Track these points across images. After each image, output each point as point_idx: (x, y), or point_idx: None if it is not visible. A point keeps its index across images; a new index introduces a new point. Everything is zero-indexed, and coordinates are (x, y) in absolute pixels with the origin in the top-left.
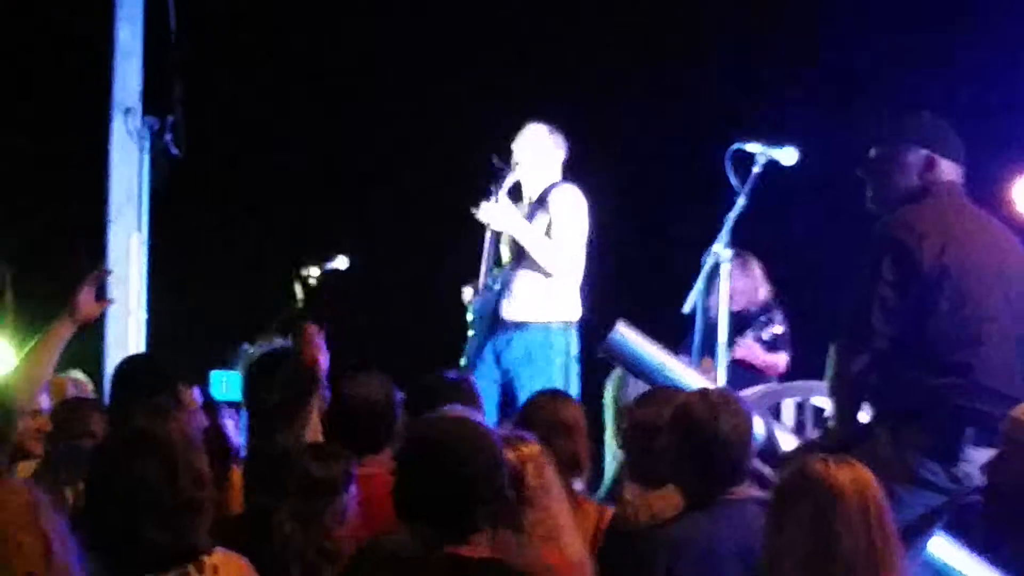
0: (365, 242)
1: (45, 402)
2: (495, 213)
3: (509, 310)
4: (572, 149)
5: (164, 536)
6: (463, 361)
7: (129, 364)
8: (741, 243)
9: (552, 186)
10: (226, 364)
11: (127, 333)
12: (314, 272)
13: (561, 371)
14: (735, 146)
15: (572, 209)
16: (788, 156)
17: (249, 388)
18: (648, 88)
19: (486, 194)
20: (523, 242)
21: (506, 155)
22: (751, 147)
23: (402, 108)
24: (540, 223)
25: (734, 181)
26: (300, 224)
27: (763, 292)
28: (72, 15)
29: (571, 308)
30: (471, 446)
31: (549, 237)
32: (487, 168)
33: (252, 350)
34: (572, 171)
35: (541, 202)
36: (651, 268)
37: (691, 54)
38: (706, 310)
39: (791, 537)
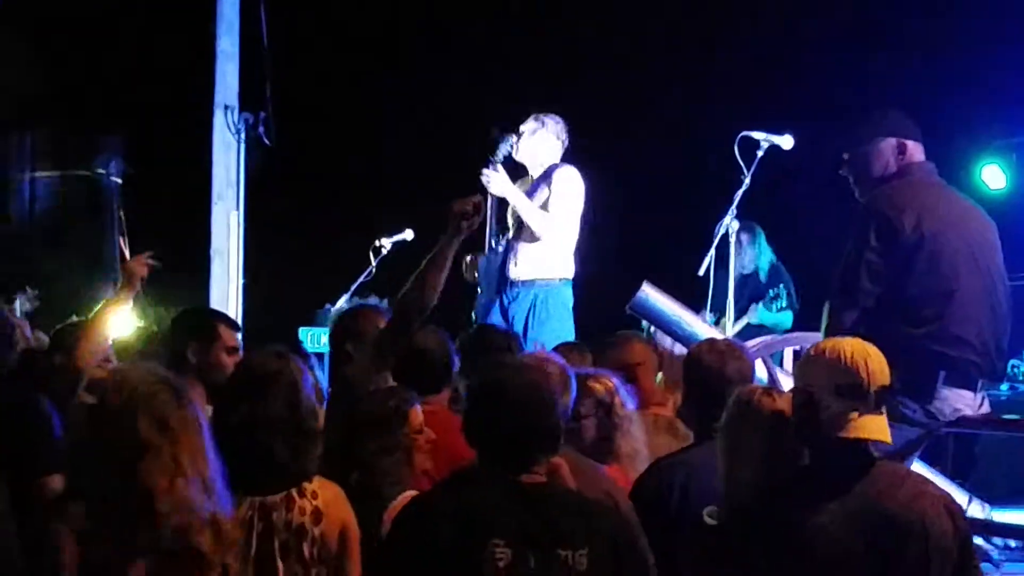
0: (429, 216)
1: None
2: (494, 178)
3: (515, 271)
4: (610, 139)
5: (287, 457)
6: (473, 317)
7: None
8: (746, 215)
9: (554, 166)
10: (312, 321)
11: (227, 297)
12: (386, 243)
13: (561, 321)
14: (742, 133)
15: (568, 186)
16: (786, 142)
17: (334, 337)
18: (672, 84)
19: (486, 162)
20: (515, 207)
21: (504, 127)
22: (755, 134)
23: (454, 104)
24: (540, 197)
25: (741, 163)
26: (373, 202)
27: (767, 257)
28: (180, 27)
29: (568, 267)
30: (530, 392)
31: (546, 208)
32: (487, 139)
33: (335, 307)
34: (604, 157)
35: (543, 179)
36: (673, 237)
37: (709, 55)
38: (719, 272)
39: (748, 445)
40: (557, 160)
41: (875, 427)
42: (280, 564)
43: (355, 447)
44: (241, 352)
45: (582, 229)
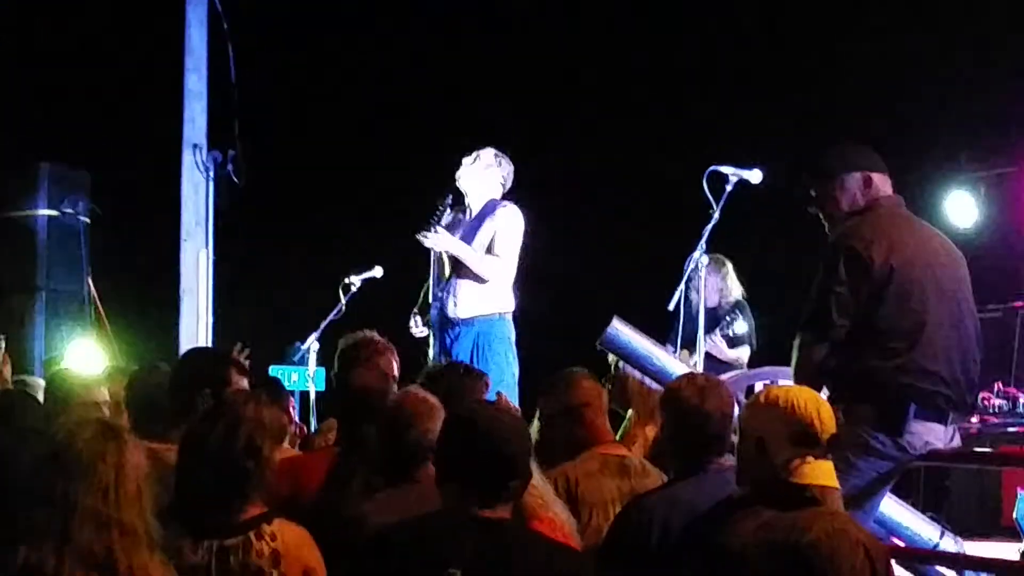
0: (396, 253)
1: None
2: (437, 239)
3: (455, 310)
4: (578, 173)
5: (216, 495)
6: (431, 361)
7: (191, 358)
8: (715, 250)
9: (494, 203)
10: (281, 359)
11: (197, 334)
12: (355, 280)
13: (504, 356)
14: (711, 168)
15: (512, 225)
16: (755, 176)
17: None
18: (642, 117)
19: (428, 225)
20: (461, 258)
21: (451, 194)
22: (724, 168)
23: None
24: (484, 234)
25: (709, 197)
26: (341, 239)
27: (735, 291)
28: (147, 66)
29: (507, 301)
30: (516, 429)
31: (492, 249)
32: (433, 207)
33: (304, 345)
34: (573, 192)
35: (483, 216)
36: (641, 271)
37: (679, 88)
38: (687, 307)
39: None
40: (497, 196)
41: (824, 472)
42: None
43: None
44: None
45: (543, 266)
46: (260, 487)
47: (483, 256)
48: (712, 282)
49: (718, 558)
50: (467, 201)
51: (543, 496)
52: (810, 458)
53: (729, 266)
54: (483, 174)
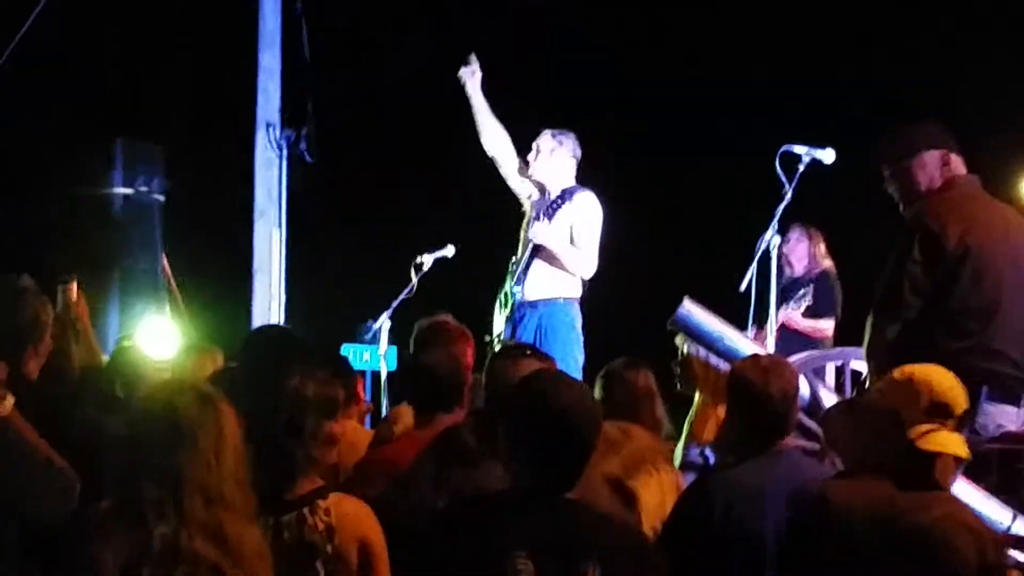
0: (468, 233)
1: None
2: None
3: (522, 292)
4: (649, 154)
5: (265, 474)
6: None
7: (262, 331)
8: (784, 230)
9: (571, 191)
10: (353, 338)
11: (269, 313)
12: (426, 259)
13: (567, 341)
14: (783, 147)
15: (593, 218)
16: (828, 155)
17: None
18: (713, 97)
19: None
20: (559, 255)
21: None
22: (797, 148)
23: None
24: (562, 222)
25: (782, 177)
26: (413, 217)
27: (825, 262)
28: (222, 43)
29: (574, 287)
30: (591, 409)
31: (572, 242)
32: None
33: (376, 324)
34: (644, 173)
35: (560, 203)
36: (712, 252)
37: (750, 66)
38: (767, 284)
39: None
40: (572, 179)
41: (954, 442)
42: None
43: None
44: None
45: (614, 249)
46: (308, 463)
47: (574, 251)
48: (801, 249)
49: (822, 524)
50: (547, 190)
51: None
52: (942, 428)
53: (819, 236)
54: (551, 160)
